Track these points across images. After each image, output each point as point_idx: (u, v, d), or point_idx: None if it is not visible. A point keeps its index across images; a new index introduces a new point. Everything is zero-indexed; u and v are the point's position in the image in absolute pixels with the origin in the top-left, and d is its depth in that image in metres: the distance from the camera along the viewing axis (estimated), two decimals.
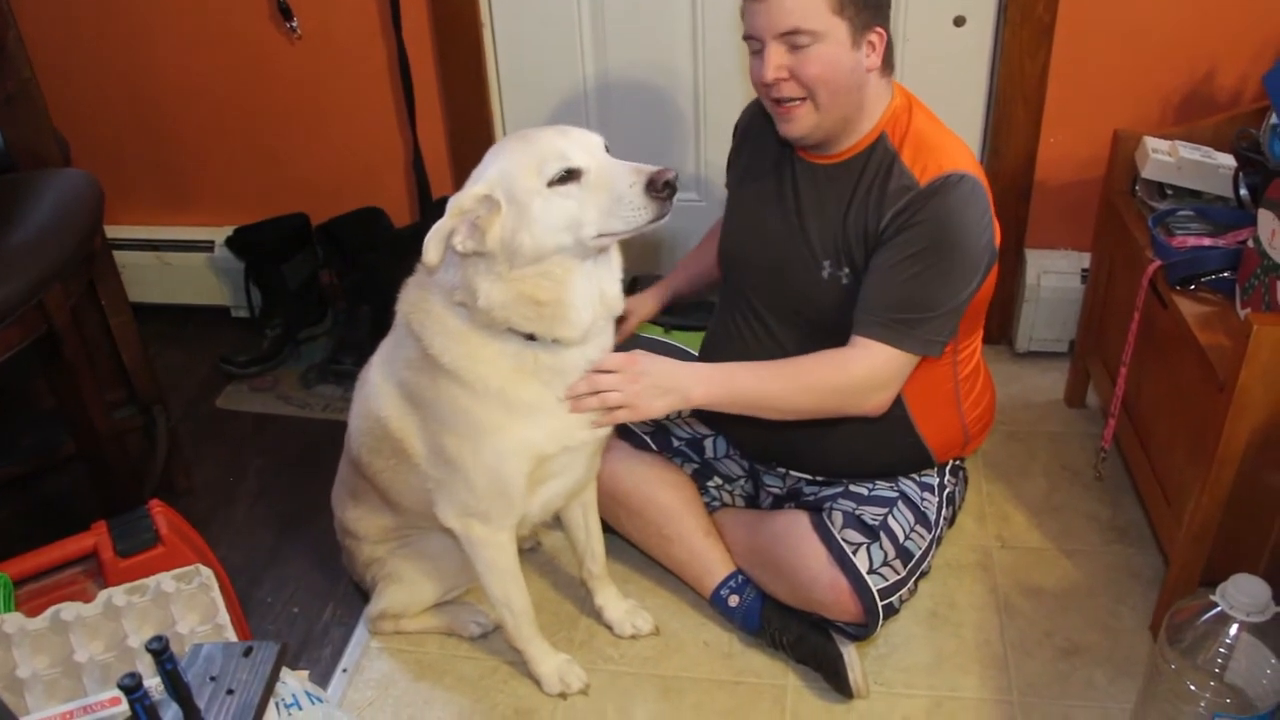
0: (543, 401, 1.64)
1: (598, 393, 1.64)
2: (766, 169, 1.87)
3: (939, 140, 1.72)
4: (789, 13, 1.61)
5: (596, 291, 1.59)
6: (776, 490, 2.03)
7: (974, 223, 1.67)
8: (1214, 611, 1.54)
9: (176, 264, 3.01)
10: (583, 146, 1.51)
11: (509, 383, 1.61)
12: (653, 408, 1.69)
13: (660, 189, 1.47)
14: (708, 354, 2.01)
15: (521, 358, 1.60)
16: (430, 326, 1.62)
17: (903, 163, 1.70)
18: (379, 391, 1.73)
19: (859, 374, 1.72)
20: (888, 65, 1.71)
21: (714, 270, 2.09)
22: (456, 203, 1.51)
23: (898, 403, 1.83)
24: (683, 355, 2.30)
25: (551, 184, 1.48)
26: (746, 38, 1.69)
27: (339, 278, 2.94)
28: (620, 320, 2.16)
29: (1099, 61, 2.40)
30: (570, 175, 1.48)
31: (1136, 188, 2.18)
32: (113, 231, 2.77)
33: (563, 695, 1.89)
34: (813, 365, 1.75)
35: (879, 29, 1.66)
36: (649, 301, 2.13)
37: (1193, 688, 1.55)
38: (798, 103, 1.68)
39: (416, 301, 1.65)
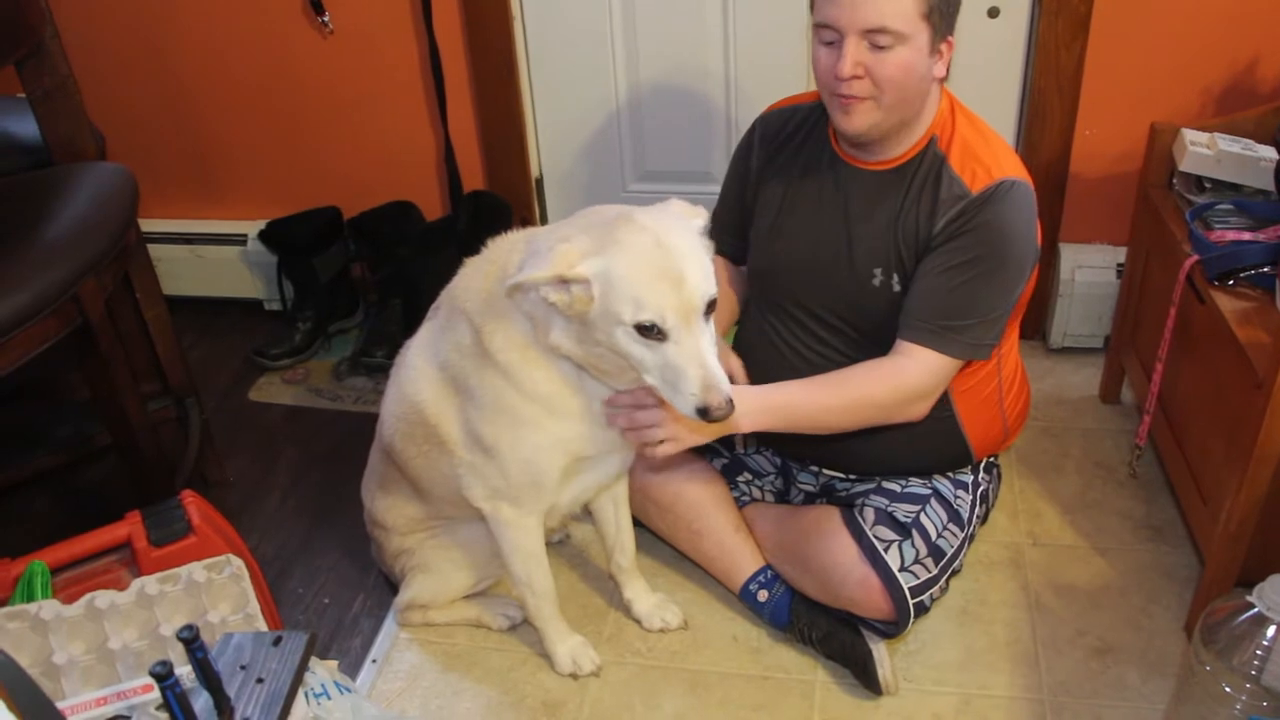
0: (587, 410, 1.65)
1: (635, 428, 1.65)
2: (809, 176, 1.84)
3: (986, 145, 1.71)
4: (880, 11, 1.57)
5: None
6: (809, 488, 2.03)
7: (1024, 229, 1.68)
8: (1250, 613, 1.52)
9: (210, 257, 3.03)
10: (685, 310, 1.43)
11: (557, 391, 1.62)
12: (697, 438, 1.70)
13: (706, 419, 1.44)
14: (751, 370, 1.98)
15: (573, 373, 1.61)
16: (491, 322, 1.61)
17: (951, 168, 1.69)
18: (418, 374, 1.74)
19: (905, 383, 1.72)
20: (944, 77, 1.70)
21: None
22: (561, 268, 1.45)
23: (946, 405, 1.83)
24: None
25: (636, 328, 1.44)
26: (820, 26, 1.64)
27: (370, 271, 2.95)
28: None
29: (1136, 52, 2.37)
30: (656, 331, 1.44)
31: (1174, 181, 2.15)
32: (147, 225, 2.80)
33: (574, 676, 1.90)
34: (860, 380, 1.74)
35: (950, 39, 1.65)
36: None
37: (1228, 690, 1.53)
38: (862, 100, 1.64)
39: (478, 291, 1.64)
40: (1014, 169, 1.70)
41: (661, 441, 1.65)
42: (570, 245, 1.47)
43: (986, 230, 1.66)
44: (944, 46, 1.65)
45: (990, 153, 1.70)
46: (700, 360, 1.44)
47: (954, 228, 1.67)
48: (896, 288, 1.75)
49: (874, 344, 1.78)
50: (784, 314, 1.90)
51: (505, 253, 1.63)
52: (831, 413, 1.75)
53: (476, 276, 1.66)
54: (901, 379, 1.72)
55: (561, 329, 1.53)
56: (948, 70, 1.69)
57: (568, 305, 1.47)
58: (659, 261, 1.44)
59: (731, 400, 1.43)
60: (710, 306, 1.47)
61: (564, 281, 1.46)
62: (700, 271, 1.46)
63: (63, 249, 1.81)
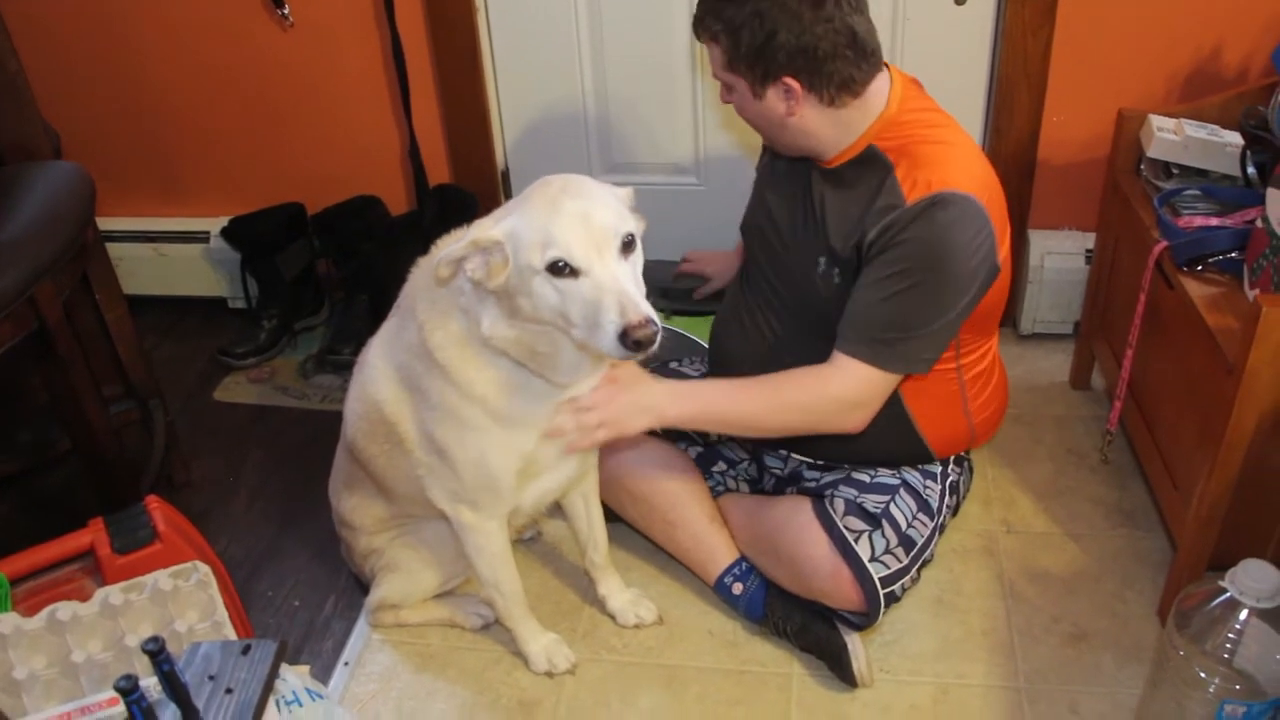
0: (529, 413, 1.64)
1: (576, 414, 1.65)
2: (788, 160, 1.86)
3: (939, 154, 1.66)
4: (710, 62, 1.70)
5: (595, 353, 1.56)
6: (778, 471, 2.02)
7: (962, 245, 1.62)
8: (1223, 597, 1.53)
9: (172, 255, 2.98)
10: (593, 241, 1.43)
11: (495, 393, 1.61)
12: (632, 424, 1.69)
13: (630, 345, 1.40)
14: (720, 326, 2.02)
15: (513, 374, 1.60)
16: (433, 319, 1.61)
17: (896, 178, 1.65)
18: (377, 374, 1.73)
19: (836, 393, 1.71)
20: (833, 102, 1.65)
21: None
22: (475, 235, 1.49)
23: (895, 402, 1.80)
24: (683, 341, 2.29)
25: (549, 270, 1.44)
26: None
27: (336, 267, 2.92)
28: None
29: (1103, 39, 2.37)
30: (569, 269, 1.43)
31: (1142, 167, 2.16)
32: (107, 224, 2.75)
33: (549, 674, 1.89)
34: (789, 384, 1.74)
35: (787, 80, 1.62)
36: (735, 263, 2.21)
37: (1201, 674, 1.54)
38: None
39: (425, 288, 1.64)
40: (962, 181, 1.63)
41: (599, 427, 1.66)
42: (487, 219, 1.52)
43: (916, 244, 1.62)
44: (779, 87, 1.64)
45: (943, 162, 1.64)
46: (616, 287, 1.42)
47: (885, 239, 1.64)
48: (837, 280, 1.75)
49: (819, 333, 1.76)
50: (753, 281, 1.93)
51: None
52: (757, 414, 1.76)
53: (423, 276, 1.66)
54: (828, 387, 1.71)
55: (491, 315, 1.53)
56: (825, 101, 1.65)
57: (488, 276, 1.49)
58: (564, 204, 1.45)
59: (654, 320, 1.41)
60: (627, 246, 1.46)
61: (482, 251, 1.48)
62: (607, 210, 1.46)
63: (16, 252, 1.78)
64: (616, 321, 1.40)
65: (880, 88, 1.69)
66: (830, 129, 1.69)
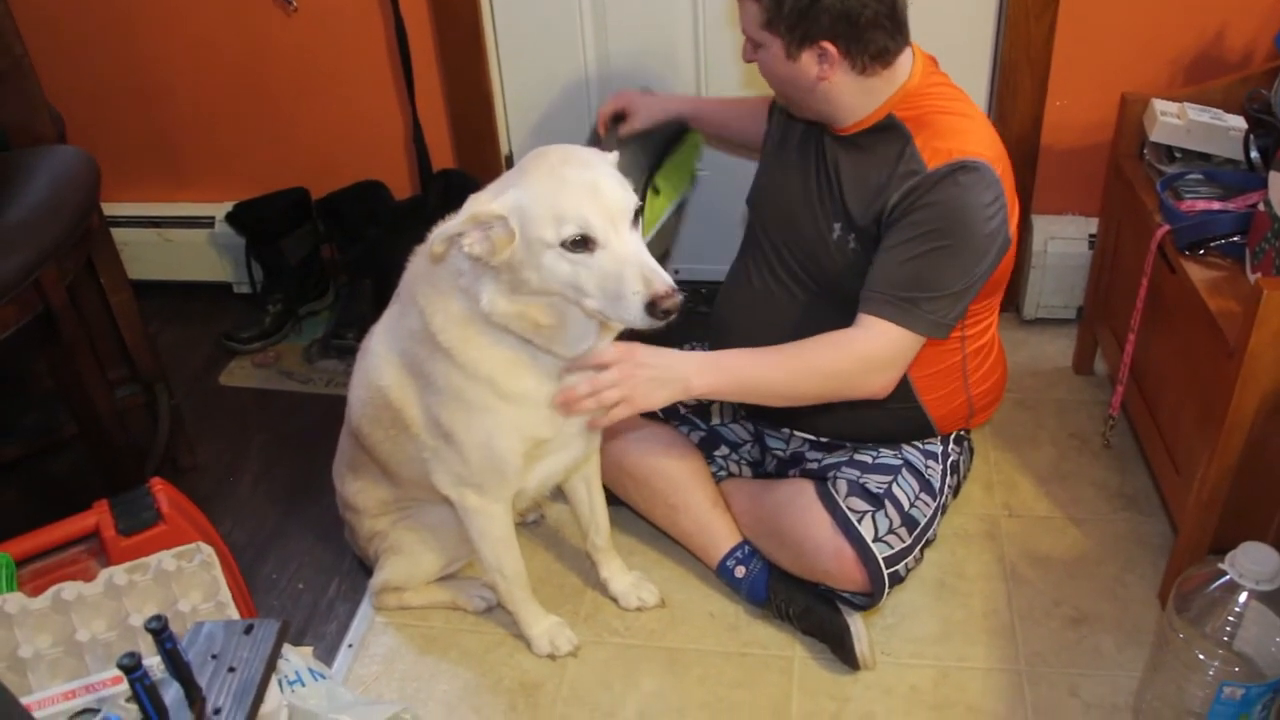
0: (537, 392, 1.63)
1: (594, 393, 1.64)
2: (797, 127, 1.88)
3: (957, 125, 1.70)
4: (741, 18, 1.72)
5: (598, 321, 1.56)
6: (780, 452, 2.03)
7: (979, 209, 1.66)
8: (1223, 580, 1.53)
9: (177, 241, 2.99)
10: (608, 214, 1.44)
11: (501, 372, 1.61)
12: (652, 400, 1.68)
13: (659, 314, 1.42)
14: (722, 298, 2.03)
15: (518, 351, 1.60)
16: (434, 301, 1.61)
17: (915, 146, 1.69)
18: (380, 361, 1.73)
19: (861, 353, 1.71)
20: (865, 71, 1.68)
21: (740, 123, 2.15)
22: (474, 209, 1.48)
23: None
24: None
25: (564, 245, 1.44)
26: None
27: (340, 252, 2.92)
28: (620, 119, 2.16)
29: (1106, 23, 2.36)
30: (585, 243, 1.44)
31: (1145, 151, 2.15)
32: (112, 209, 2.76)
33: (551, 656, 1.90)
34: (815, 348, 1.74)
35: (825, 44, 1.65)
36: (663, 106, 2.18)
37: (1201, 656, 1.54)
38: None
39: (424, 273, 1.64)
40: (980, 150, 1.67)
41: (617, 404, 1.65)
42: (483, 193, 1.51)
43: (938, 206, 1.65)
44: (814, 51, 1.66)
45: (961, 133, 1.69)
46: (637, 259, 1.44)
47: (908, 203, 1.67)
48: (853, 245, 1.77)
49: (830, 301, 1.79)
50: (761, 259, 1.93)
51: None
52: (785, 380, 1.75)
53: (422, 262, 1.66)
54: (854, 348, 1.72)
55: (491, 289, 1.52)
56: (857, 69, 1.67)
57: (491, 252, 1.48)
58: (570, 176, 1.46)
59: (677, 288, 1.43)
60: (635, 220, 1.47)
61: (481, 226, 1.48)
62: (615, 182, 1.47)
63: (21, 235, 1.78)
64: (642, 292, 1.42)
65: (905, 60, 1.73)
66: (855, 96, 1.72)
